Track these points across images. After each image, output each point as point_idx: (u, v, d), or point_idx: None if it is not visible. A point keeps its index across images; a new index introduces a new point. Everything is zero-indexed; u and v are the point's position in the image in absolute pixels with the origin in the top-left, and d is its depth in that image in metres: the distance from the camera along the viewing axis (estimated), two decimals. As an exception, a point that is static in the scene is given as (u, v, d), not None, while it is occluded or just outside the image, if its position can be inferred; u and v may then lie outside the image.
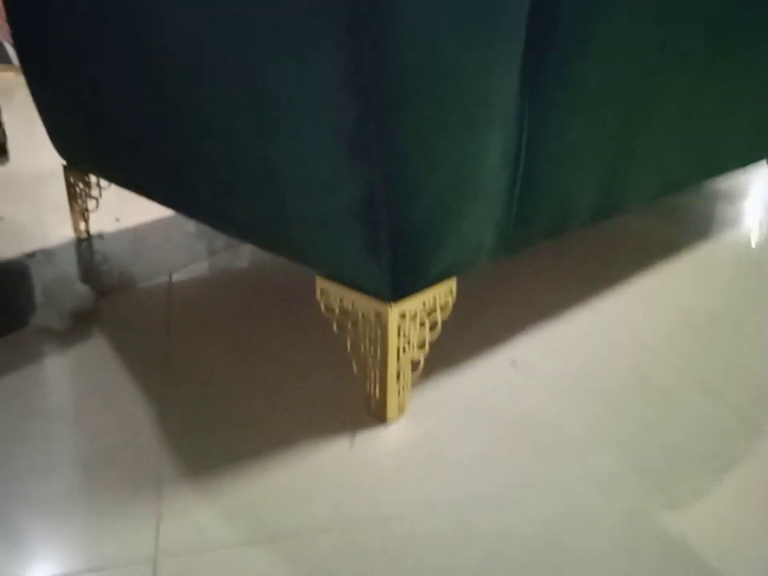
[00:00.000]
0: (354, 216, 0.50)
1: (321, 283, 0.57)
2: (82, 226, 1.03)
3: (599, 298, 0.80)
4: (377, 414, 0.57)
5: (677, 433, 0.55)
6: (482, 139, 0.52)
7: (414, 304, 0.54)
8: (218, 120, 0.59)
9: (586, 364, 0.66)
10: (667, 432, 0.55)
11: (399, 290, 0.52)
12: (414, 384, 0.61)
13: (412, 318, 0.54)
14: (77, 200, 1.02)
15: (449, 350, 0.68)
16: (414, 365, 0.57)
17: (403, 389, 0.56)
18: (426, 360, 0.58)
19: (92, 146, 0.87)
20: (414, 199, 0.49)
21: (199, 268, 0.90)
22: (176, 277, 0.86)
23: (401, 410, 0.57)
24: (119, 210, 1.13)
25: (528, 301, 0.79)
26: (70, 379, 0.63)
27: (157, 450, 0.53)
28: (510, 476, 0.50)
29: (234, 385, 0.62)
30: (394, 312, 0.52)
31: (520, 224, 0.62)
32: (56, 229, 1.05)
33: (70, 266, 0.90)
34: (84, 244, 1.00)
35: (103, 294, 0.81)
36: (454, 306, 0.58)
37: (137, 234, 1.03)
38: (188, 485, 0.49)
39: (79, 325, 0.73)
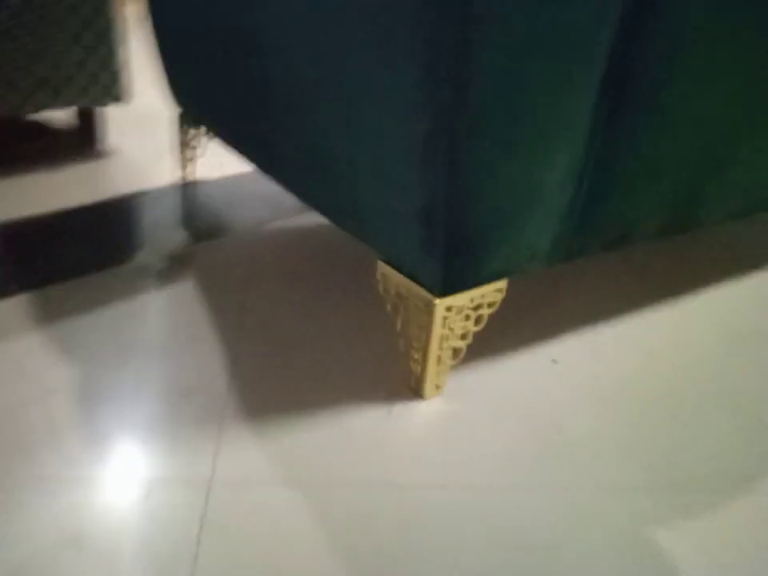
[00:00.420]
0: (417, 217, 0.55)
1: (381, 267, 0.63)
2: (189, 170, 1.14)
3: (655, 307, 0.82)
4: (415, 390, 0.63)
5: (703, 451, 0.59)
6: (549, 156, 0.56)
7: (461, 300, 0.59)
8: (310, 106, 0.65)
9: (625, 372, 0.69)
10: (693, 449, 0.59)
11: (448, 287, 0.58)
12: (455, 368, 0.67)
13: (458, 312, 0.60)
14: (186, 146, 1.12)
15: (495, 339, 0.73)
16: (456, 351, 0.63)
17: (442, 371, 0.63)
18: (471, 347, 0.63)
19: (203, 102, 0.96)
20: (471, 209, 0.54)
21: (285, 224, 0.98)
22: (264, 230, 0.95)
23: (438, 390, 0.64)
24: (224, 157, 1.23)
25: (583, 301, 0.82)
26: (158, 318, 0.73)
27: (225, 393, 0.62)
28: (525, 472, 0.56)
29: (297, 344, 0.70)
30: (440, 305, 0.58)
31: (578, 237, 0.65)
32: (165, 170, 1.16)
33: (172, 209, 1.01)
34: (188, 188, 1.10)
35: (198, 239, 0.91)
36: (508, 298, 0.63)
37: (236, 184, 1.12)
38: (246, 426, 0.58)
39: (173, 266, 0.83)
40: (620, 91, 0.58)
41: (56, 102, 1.08)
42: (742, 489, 0.55)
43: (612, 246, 0.72)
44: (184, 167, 1.13)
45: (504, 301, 0.63)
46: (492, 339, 0.73)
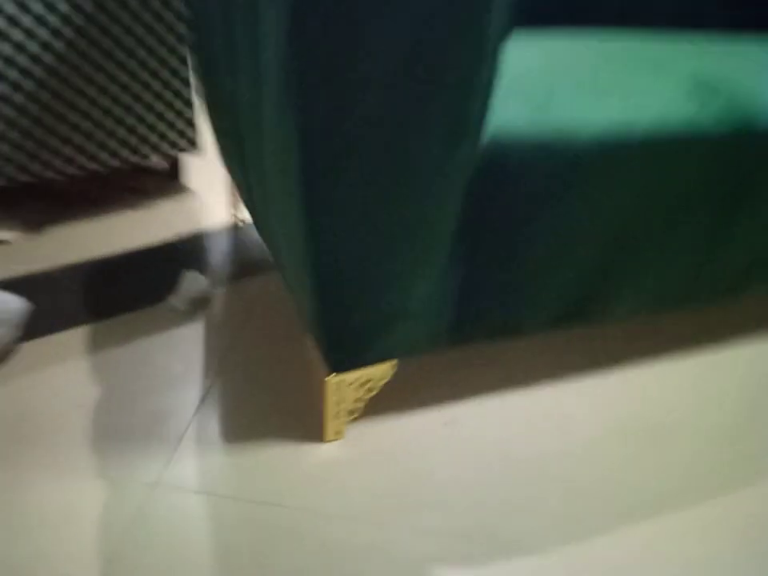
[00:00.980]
0: (312, 317, 0.79)
1: (304, 328, 0.87)
2: (232, 214, 1.42)
3: (572, 379, 1.00)
4: (319, 434, 0.88)
5: (569, 525, 0.79)
6: (413, 280, 0.77)
7: (350, 377, 0.82)
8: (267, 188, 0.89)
9: (510, 439, 0.89)
10: (549, 507, 0.79)
11: (338, 367, 0.81)
12: (356, 419, 0.90)
13: (349, 384, 0.83)
14: (233, 193, 1.40)
15: (416, 393, 0.95)
16: (353, 409, 0.86)
17: (340, 423, 0.86)
18: (379, 400, 0.86)
19: (225, 157, 1.23)
20: (349, 314, 0.77)
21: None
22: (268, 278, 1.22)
23: (338, 435, 0.87)
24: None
25: (501, 363, 1.02)
26: (172, 353, 1.01)
27: (190, 417, 0.89)
28: (388, 511, 0.79)
29: (260, 383, 0.96)
30: (331, 380, 0.81)
31: (455, 333, 0.86)
32: (212, 212, 1.45)
33: (208, 253, 1.29)
34: (228, 232, 1.38)
35: (222, 283, 1.19)
36: (437, 357, 0.85)
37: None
38: (197, 447, 0.85)
39: (196, 310, 1.12)
40: (484, 217, 0.78)
41: (134, 155, 1.40)
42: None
43: (497, 338, 0.91)
44: (234, 210, 1.42)
45: (431, 360, 0.85)
46: (413, 393, 0.95)
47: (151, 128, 1.38)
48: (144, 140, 1.38)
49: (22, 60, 1.17)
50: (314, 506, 0.78)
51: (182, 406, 0.91)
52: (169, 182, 1.59)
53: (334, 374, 0.81)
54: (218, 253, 1.30)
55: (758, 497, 0.83)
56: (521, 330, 0.92)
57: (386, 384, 0.94)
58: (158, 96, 1.35)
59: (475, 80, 0.64)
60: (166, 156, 1.43)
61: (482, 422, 0.92)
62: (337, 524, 0.76)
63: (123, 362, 0.99)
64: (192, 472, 0.81)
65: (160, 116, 1.38)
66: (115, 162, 1.37)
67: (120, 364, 0.98)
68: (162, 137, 1.40)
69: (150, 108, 1.35)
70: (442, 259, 0.77)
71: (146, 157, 1.40)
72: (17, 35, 1.15)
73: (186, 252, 1.29)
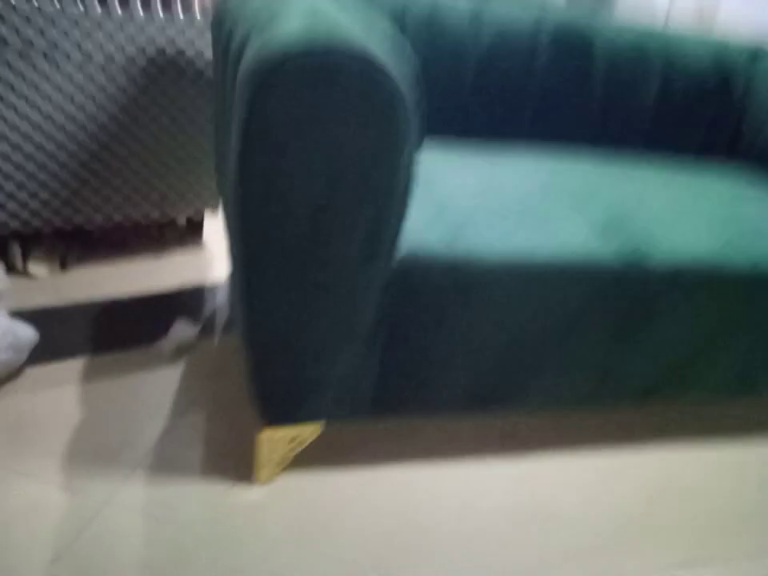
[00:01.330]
0: (250, 373, 0.95)
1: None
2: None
3: (478, 459, 1.13)
4: (251, 479, 1.03)
5: None
6: (332, 355, 0.93)
7: (280, 432, 0.98)
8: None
9: (414, 508, 1.03)
10: None
11: (268, 425, 0.96)
12: (285, 469, 1.05)
13: (278, 439, 0.98)
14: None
15: (332, 452, 1.10)
16: (284, 459, 1.01)
17: (272, 470, 1.01)
18: (313, 455, 1.01)
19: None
20: (278, 381, 0.93)
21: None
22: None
23: (267, 481, 1.02)
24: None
25: (424, 436, 1.16)
26: (149, 390, 1.18)
27: (155, 445, 1.06)
28: (292, 558, 0.93)
29: (212, 427, 1.12)
30: (263, 434, 0.97)
31: (375, 407, 1.01)
32: (219, 268, 1.64)
33: (205, 305, 1.48)
34: (218, 289, 1.57)
35: (209, 335, 1.37)
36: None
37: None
38: (153, 470, 1.01)
39: (180, 355, 1.29)
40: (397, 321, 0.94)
41: (156, 211, 1.61)
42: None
43: (415, 415, 1.05)
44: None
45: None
46: (341, 453, 1.09)
47: (172, 188, 1.59)
48: (166, 198, 1.59)
49: (70, 127, 1.40)
50: (230, 536, 0.92)
51: (146, 437, 1.08)
52: (188, 236, 1.79)
53: (265, 428, 0.97)
54: (214, 306, 1.48)
55: (619, 586, 0.94)
56: (435, 410, 1.06)
57: (319, 441, 1.09)
58: (182, 162, 1.56)
59: (386, 211, 0.81)
60: (185, 214, 1.64)
61: (392, 489, 1.05)
62: (247, 552, 0.90)
63: (106, 393, 1.16)
64: (139, 495, 0.97)
65: (182, 179, 1.59)
66: (139, 216, 1.58)
67: (103, 394, 1.16)
68: (182, 197, 1.61)
69: (174, 172, 1.57)
70: (360, 345, 0.93)
71: (167, 214, 1.61)
72: (68, 107, 1.38)
73: (185, 301, 1.47)
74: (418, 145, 0.84)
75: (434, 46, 1.31)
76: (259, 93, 0.71)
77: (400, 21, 1.28)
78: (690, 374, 1.15)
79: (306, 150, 0.74)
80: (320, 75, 0.71)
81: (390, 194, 0.79)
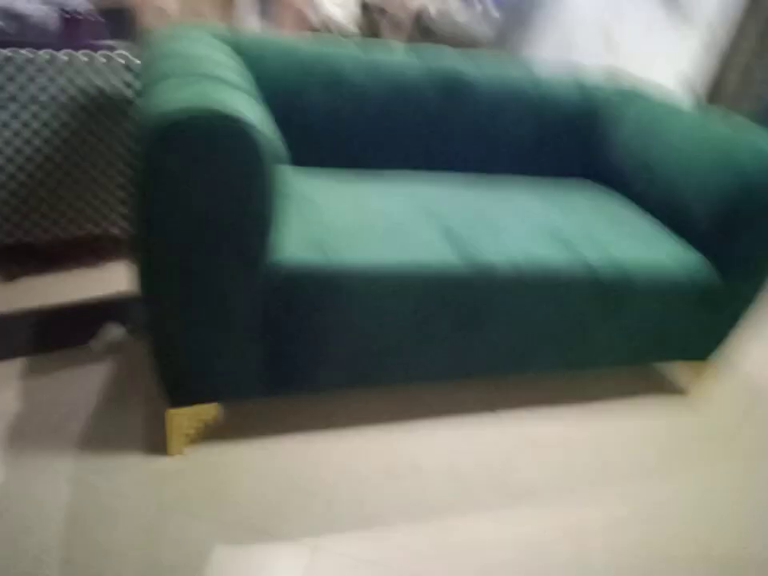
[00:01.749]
0: (155, 361, 1.17)
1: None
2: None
3: (358, 428, 1.36)
4: (165, 450, 1.25)
5: None
6: (222, 343, 1.16)
7: (184, 411, 1.20)
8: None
9: (300, 469, 1.25)
10: None
11: (173, 405, 1.19)
12: (195, 442, 1.27)
13: (182, 417, 1.20)
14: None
15: (239, 426, 1.32)
16: (194, 434, 1.23)
17: (180, 444, 1.23)
18: (219, 430, 1.23)
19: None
20: (177, 367, 1.15)
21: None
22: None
23: (177, 452, 1.24)
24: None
25: (317, 410, 1.39)
26: (81, 382, 1.39)
27: (77, 426, 1.27)
28: (198, 515, 1.15)
29: (135, 410, 1.33)
30: (170, 412, 1.19)
31: (268, 387, 1.23)
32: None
33: (130, 311, 1.69)
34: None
35: (131, 335, 1.58)
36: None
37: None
38: (83, 445, 1.22)
39: (109, 353, 1.50)
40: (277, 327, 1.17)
41: (98, 228, 1.81)
42: None
43: (304, 391, 1.28)
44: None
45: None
46: (244, 427, 1.32)
47: (108, 206, 1.80)
48: (103, 215, 1.80)
49: (17, 159, 1.60)
50: (146, 496, 1.14)
51: (77, 420, 1.29)
52: (123, 248, 2.00)
53: (170, 409, 1.19)
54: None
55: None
56: (318, 387, 1.29)
57: (231, 417, 1.32)
58: (117, 183, 1.78)
59: (253, 232, 1.04)
60: (121, 229, 1.85)
61: (285, 458, 1.28)
62: (161, 512, 1.12)
63: (44, 386, 1.37)
64: (70, 465, 1.18)
65: (117, 199, 1.80)
66: (80, 232, 1.78)
67: (41, 387, 1.37)
68: (117, 214, 1.82)
69: (110, 193, 1.78)
70: (245, 338, 1.16)
71: (104, 229, 1.82)
72: (16, 142, 1.58)
73: (117, 307, 1.68)
74: (284, 182, 1.07)
75: (338, 95, 1.55)
76: (152, 148, 0.94)
77: (303, 70, 1.51)
78: (529, 353, 1.40)
79: (189, 189, 0.97)
80: (200, 136, 0.94)
81: (254, 218, 1.03)
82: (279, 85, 1.48)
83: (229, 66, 1.22)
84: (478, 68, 1.68)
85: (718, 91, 2.70)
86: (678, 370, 1.77)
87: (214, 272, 1.05)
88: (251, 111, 1.01)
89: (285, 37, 1.53)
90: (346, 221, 1.26)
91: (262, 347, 1.18)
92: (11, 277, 1.76)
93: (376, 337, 1.24)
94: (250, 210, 1.02)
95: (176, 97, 0.96)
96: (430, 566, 1.12)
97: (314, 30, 3.56)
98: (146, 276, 1.06)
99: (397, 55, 1.61)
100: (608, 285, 1.34)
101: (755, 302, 1.54)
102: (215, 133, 0.94)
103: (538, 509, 1.27)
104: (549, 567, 1.16)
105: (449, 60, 1.66)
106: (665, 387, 1.71)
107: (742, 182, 1.39)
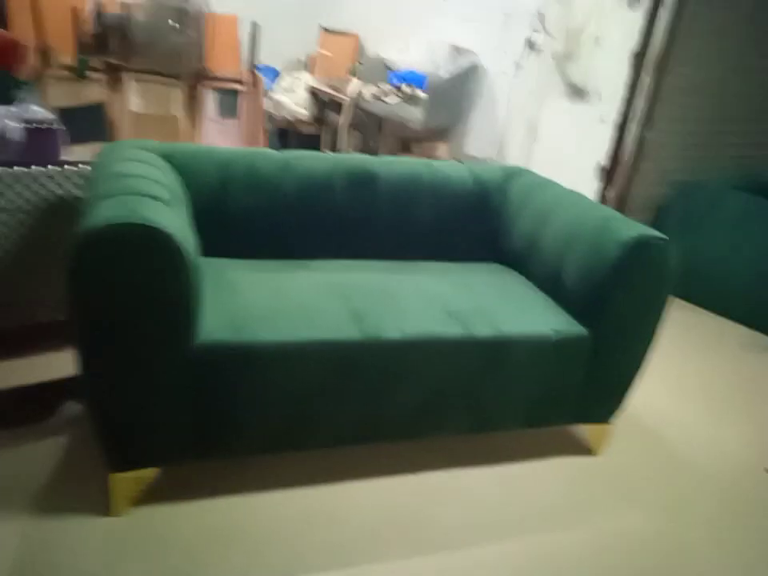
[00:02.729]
0: (93, 430, 1.36)
1: (107, 453, 1.44)
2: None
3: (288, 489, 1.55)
4: (107, 510, 1.42)
5: None
6: (152, 416, 1.36)
7: (124, 475, 1.39)
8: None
9: (226, 535, 1.43)
10: None
11: (112, 469, 1.37)
12: (137, 503, 1.45)
13: (123, 480, 1.39)
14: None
15: (183, 487, 1.50)
16: (131, 496, 1.41)
17: (122, 504, 1.41)
18: (163, 491, 1.42)
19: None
20: (108, 443, 1.34)
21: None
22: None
23: (120, 512, 1.42)
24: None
25: (253, 473, 1.57)
26: (39, 450, 1.57)
27: (32, 488, 1.44)
28: None
29: (82, 471, 1.51)
30: (112, 476, 1.38)
31: (197, 452, 1.43)
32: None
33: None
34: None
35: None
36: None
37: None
38: (30, 507, 1.40)
39: (67, 426, 1.69)
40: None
41: (57, 314, 2.02)
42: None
43: (231, 456, 1.48)
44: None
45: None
46: (187, 489, 1.50)
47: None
48: (59, 303, 2.01)
49: (-19, 255, 1.82)
50: (90, 549, 1.32)
51: (33, 484, 1.47)
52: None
53: (111, 473, 1.38)
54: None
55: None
56: (244, 451, 1.49)
57: (172, 478, 1.50)
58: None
59: (173, 315, 1.26)
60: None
61: (219, 512, 1.47)
62: (100, 562, 1.30)
63: (2, 457, 1.55)
64: (24, 524, 1.36)
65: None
66: (43, 317, 1.99)
67: (1, 458, 1.54)
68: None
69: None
70: (172, 407, 1.36)
71: (63, 315, 2.03)
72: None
73: (73, 385, 1.87)
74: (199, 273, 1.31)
75: (254, 188, 1.80)
76: (79, 257, 1.17)
77: (225, 171, 1.77)
78: (433, 417, 1.61)
79: (110, 286, 1.20)
80: (120, 243, 1.17)
81: (171, 307, 1.25)
82: (204, 184, 1.73)
83: (158, 180, 1.46)
84: (380, 160, 1.95)
85: (615, 164, 3.03)
86: (587, 432, 1.92)
87: (138, 352, 1.27)
88: (169, 220, 1.25)
89: (206, 146, 1.79)
90: (262, 304, 1.48)
91: (191, 417, 1.38)
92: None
93: (289, 405, 1.45)
94: (167, 301, 1.24)
95: (104, 213, 1.20)
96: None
97: (274, 121, 3.90)
98: (81, 355, 1.27)
99: (306, 153, 1.89)
100: (493, 352, 1.57)
101: (637, 363, 1.75)
102: (132, 240, 1.19)
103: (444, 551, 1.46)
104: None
105: (352, 157, 1.93)
106: (573, 448, 1.89)
107: (607, 266, 1.63)
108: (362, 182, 1.90)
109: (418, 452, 1.76)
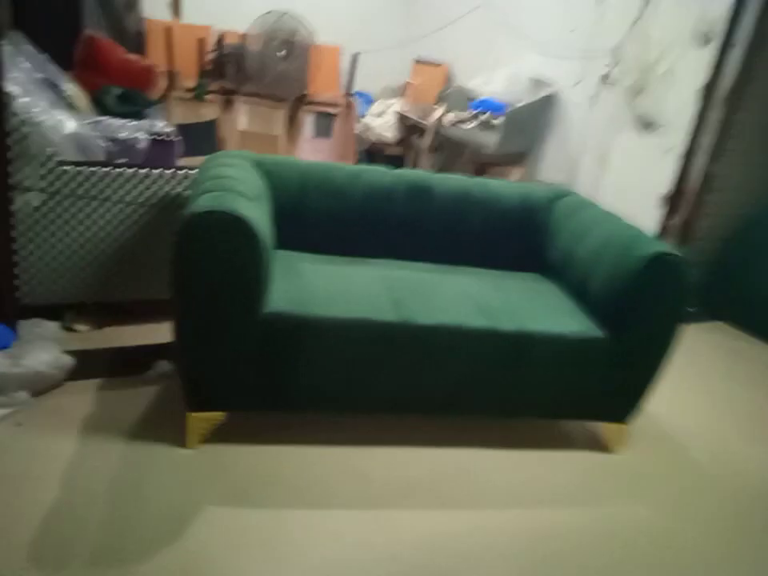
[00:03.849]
0: (180, 381, 1.71)
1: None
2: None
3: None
4: (184, 443, 1.76)
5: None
6: (228, 369, 1.69)
7: (199, 415, 1.72)
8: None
9: (277, 479, 1.74)
10: None
11: (190, 409, 1.71)
12: (207, 441, 1.78)
13: (198, 419, 1.73)
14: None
15: (250, 431, 1.82)
16: (207, 432, 1.75)
17: (196, 440, 1.75)
18: (229, 433, 1.75)
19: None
20: (195, 383, 1.68)
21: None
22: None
23: (194, 446, 1.75)
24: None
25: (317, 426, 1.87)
26: (137, 397, 1.95)
27: (127, 425, 1.81)
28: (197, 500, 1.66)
29: (166, 411, 1.87)
30: (188, 414, 1.72)
31: (264, 403, 1.74)
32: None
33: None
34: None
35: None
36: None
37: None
38: (122, 440, 1.76)
39: (160, 379, 2.06)
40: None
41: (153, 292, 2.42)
42: None
43: (293, 410, 1.79)
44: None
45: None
46: (254, 432, 1.82)
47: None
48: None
49: (107, 240, 2.25)
50: (167, 472, 1.66)
51: (128, 421, 1.84)
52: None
53: (188, 413, 1.72)
54: (189, 354, 2.25)
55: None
56: (305, 407, 1.80)
57: (236, 424, 1.82)
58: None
59: (251, 291, 1.59)
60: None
61: (276, 456, 1.78)
62: (177, 491, 1.63)
63: (111, 397, 1.93)
64: (121, 447, 1.72)
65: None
66: (154, 294, 2.40)
67: (110, 397, 1.93)
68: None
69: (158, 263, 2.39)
70: (247, 364, 1.69)
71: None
72: (108, 228, 2.23)
73: (168, 349, 2.26)
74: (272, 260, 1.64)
75: (327, 194, 2.13)
76: (181, 235, 1.52)
77: (304, 178, 2.11)
78: (463, 399, 1.85)
79: (205, 264, 1.54)
80: (213, 227, 1.52)
81: (249, 282, 1.58)
82: (285, 188, 2.08)
83: (248, 182, 1.81)
84: (437, 176, 2.23)
85: (679, 194, 3.14)
86: (603, 429, 2.09)
87: (221, 319, 1.61)
88: (252, 212, 1.59)
89: (290, 156, 2.13)
90: (320, 288, 1.79)
91: (256, 372, 1.71)
92: (99, 326, 2.39)
93: (336, 369, 1.74)
94: (243, 273, 1.57)
95: (200, 203, 1.56)
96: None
97: (363, 143, 4.29)
98: (177, 323, 1.62)
99: (373, 167, 2.20)
100: (515, 345, 1.79)
101: (654, 368, 1.92)
102: (218, 224, 1.52)
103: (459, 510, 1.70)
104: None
105: (412, 172, 2.23)
106: (590, 444, 2.07)
107: (628, 277, 1.82)
108: (420, 194, 2.18)
109: (446, 430, 2.00)
